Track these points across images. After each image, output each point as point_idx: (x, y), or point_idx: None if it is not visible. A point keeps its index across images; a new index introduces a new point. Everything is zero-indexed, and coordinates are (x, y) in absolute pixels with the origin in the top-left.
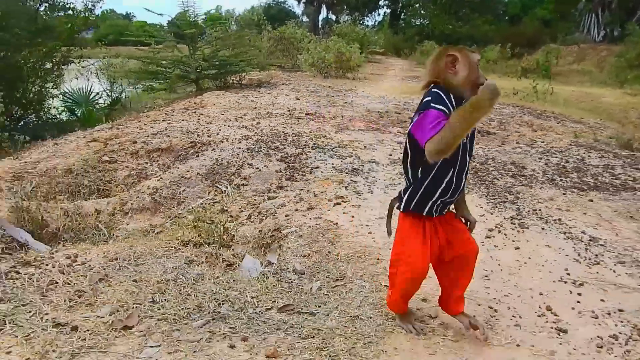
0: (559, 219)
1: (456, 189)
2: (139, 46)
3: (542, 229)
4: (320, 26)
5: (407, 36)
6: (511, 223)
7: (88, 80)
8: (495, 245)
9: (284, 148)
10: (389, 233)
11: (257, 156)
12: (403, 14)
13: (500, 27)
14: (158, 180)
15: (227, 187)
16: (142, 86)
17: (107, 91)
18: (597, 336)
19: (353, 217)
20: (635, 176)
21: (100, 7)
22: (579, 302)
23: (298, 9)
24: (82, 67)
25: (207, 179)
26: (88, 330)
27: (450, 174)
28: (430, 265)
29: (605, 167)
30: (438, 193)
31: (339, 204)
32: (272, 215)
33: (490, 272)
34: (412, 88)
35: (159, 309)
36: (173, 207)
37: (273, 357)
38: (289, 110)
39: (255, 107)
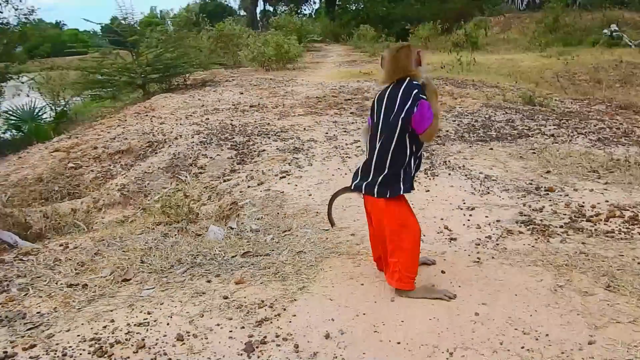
0: (463, 166)
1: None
2: (77, 56)
3: (449, 174)
4: (258, 19)
5: (343, 22)
6: (424, 174)
7: (28, 95)
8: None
9: (233, 138)
10: (332, 224)
11: (210, 147)
12: (338, 0)
13: (431, 5)
14: (124, 178)
15: (186, 177)
16: (86, 96)
17: (50, 105)
18: (477, 238)
19: (296, 185)
20: (530, 125)
21: (34, 20)
22: (469, 220)
23: (235, 4)
24: (22, 82)
25: (167, 171)
26: (96, 285)
27: (419, 155)
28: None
29: (507, 121)
30: (415, 168)
31: (284, 177)
32: (229, 193)
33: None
34: (348, 72)
35: (148, 266)
36: (141, 198)
37: (241, 282)
38: (234, 105)
39: (203, 105)
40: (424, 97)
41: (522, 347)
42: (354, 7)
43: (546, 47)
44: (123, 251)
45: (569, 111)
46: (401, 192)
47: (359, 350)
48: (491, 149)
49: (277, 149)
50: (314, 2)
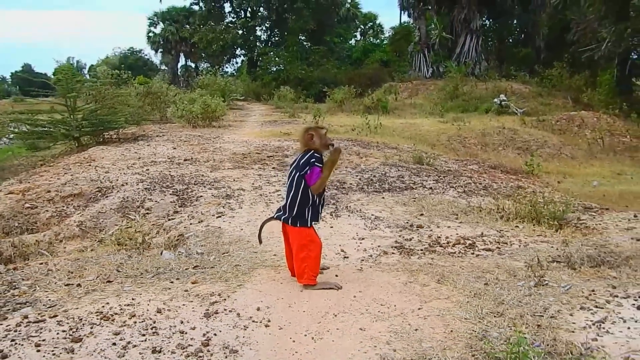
0: (360, 209)
1: (323, 206)
2: None
3: (348, 215)
4: (179, 74)
5: (264, 82)
6: (330, 215)
7: None
8: (319, 227)
9: (173, 186)
10: (260, 242)
11: (154, 193)
12: (259, 61)
13: (346, 70)
14: (80, 216)
15: (136, 216)
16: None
17: None
18: (362, 257)
19: (230, 222)
20: (415, 180)
21: None
22: (359, 246)
23: (156, 58)
24: None
25: (118, 212)
26: (87, 284)
27: (321, 197)
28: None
29: (398, 176)
30: (318, 207)
31: (220, 216)
32: (175, 229)
33: (343, 259)
34: (270, 132)
35: (124, 273)
36: (97, 233)
37: (195, 282)
38: (169, 158)
39: (140, 158)
40: (319, 164)
41: (379, 311)
42: (274, 69)
43: (446, 112)
44: (100, 265)
45: (448, 169)
46: (307, 225)
47: (279, 316)
48: (383, 197)
49: (212, 195)
50: (236, 62)
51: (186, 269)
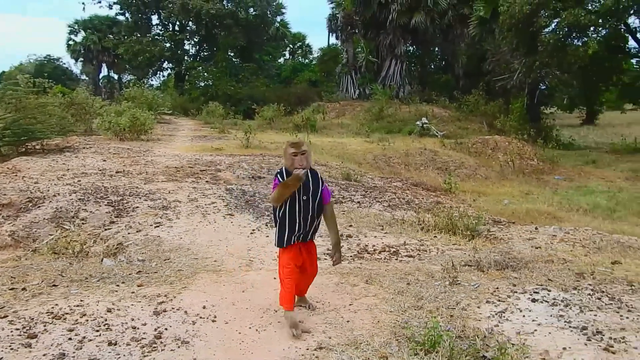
0: None
1: (303, 227)
2: None
3: None
4: (101, 85)
5: (192, 97)
6: (265, 225)
7: None
8: (255, 236)
9: (108, 197)
10: None
11: (89, 203)
12: (187, 75)
13: (275, 88)
14: (12, 226)
15: (70, 226)
16: None
17: None
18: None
19: (169, 232)
20: (344, 195)
21: None
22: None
23: (75, 68)
24: None
25: (52, 222)
26: (33, 288)
27: (297, 217)
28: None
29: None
30: (289, 229)
31: (158, 226)
32: (113, 238)
33: (252, 247)
34: (201, 147)
35: (68, 278)
36: (30, 242)
37: (141, 285)
38: (100, 170)
39: (69, 169)
40: (279, 178)
41: (314, 306)
42: (203, 84)
43: (372, 133)
44: (42, 271)
45: (374, 186)
46: (275, 244)
47: (224, 313)
48: None
49: (149, 206)
50: (162, 75)
51: (129, 274)
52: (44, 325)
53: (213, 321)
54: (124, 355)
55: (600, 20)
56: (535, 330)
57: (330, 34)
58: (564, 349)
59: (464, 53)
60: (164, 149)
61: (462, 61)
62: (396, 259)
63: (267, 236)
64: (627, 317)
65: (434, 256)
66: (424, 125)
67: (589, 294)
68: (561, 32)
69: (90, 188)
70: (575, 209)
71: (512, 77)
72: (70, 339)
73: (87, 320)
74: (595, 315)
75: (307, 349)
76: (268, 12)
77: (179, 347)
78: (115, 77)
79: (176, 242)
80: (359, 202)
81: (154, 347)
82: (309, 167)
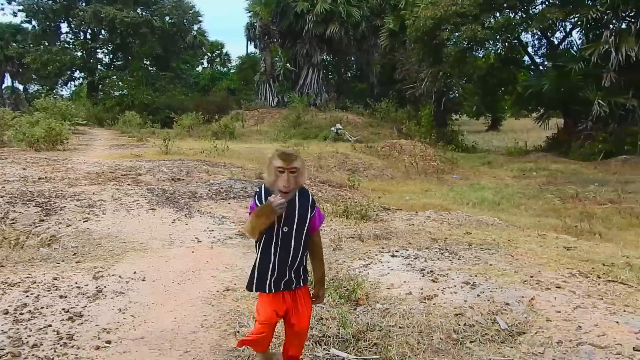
0: (210, 212)
1: (280, 271)
2: None
3: (200, 216)
4: (4, 96)
5: (107, 107)
6: (184, 216)
7: None
8: (176, 225)
9: (35, 199)
10: None
11: (17, 205)
12: (101, 85)
13: (193, 96)
14: None
15: (1, 225)
16: None
17: None
18: (212, 240)
19: (97, 225)
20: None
21: None
22: (210, 234)
23: None
24: None
25: None
26: None
27: (273, 256)
28: None
29: (242, 188)
30: (261, 271)
31: (87, 221)
32: (45, 232)
33: (173, 232)
34: (120, 154)
35: (13, 260)
36: None
37: (79, 262)
38: (22, 177)
39: None
40: (257, 201)
41: (225, 267)
42: (117, 93)
43: (289, 139)
44: None
45: None
46: (247, 286)
47: (151, 275)
48: (229, 203)
49: (76, 205)
50: (73, 85)
51: (67, 256)
52: (2, 291)
53: (142, 280)
54: (74, 302)
55: (497, 36)
56: (389, 273)
57: (249, 42)
58: (404, 282)
59: (377, 63)
60: (83, 157)
61: (376, 70)
62: None
63: (187, 224)
64: (456, 263)
65: (326, 233)
66: (338, 131)
67: (436, 251)
68: (461, 45)
69: (16, 193)
70: (465, 203)
71: (420, 86)
72: (27, 296)
73: (38, 285)
74: (434, 263)
75: (217, 291)
76: (185, 21)
77: (117, 296)
78: (20, 87)
79: (105, 232)
80: None
81: (97, 296)
82: (295, 190)
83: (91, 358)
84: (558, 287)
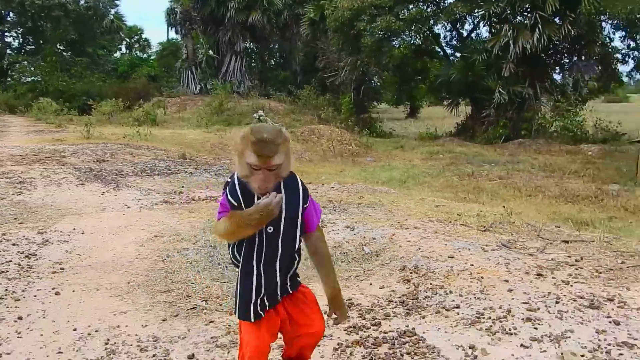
0: (137, 186)
1: (266, 283)
2: None
3: (128, 189)
4: None
5: (18, 93)
6: (112, 189)
7: None
8: (105, 196)
9: None
10: None
11: None
12: (10, 70)
13: (112, 83)
14: None
15: None
16: None
17: None
18: (140, 207)
19: (30, 197)
20: (179, 168)
21: None
22: (138, 202)
23: None
24: None
25: None
26: None
27: (255, 266)
28: None
29: (166, 166)
30: (243, 288)
31: (20, 194)
32: None
33: (104, 202)
34: (41, 139)
35: None
36: None
37: (22, 223)
38: None
39: None
40: (230, 198)
41: (154, 223)
42: (30, 79)
43: (212, 125)
44: None
45: (206, 162)
46: (234, 311)
47: (89, 229)
48: (154, 179)
49: (6, 182)
50: None
51: (8, 220)
52: None
53: (82, 234)
54: (27, 248)
55: (411, 27)
56: None
57: (169, 28)
58: None
59: (300, 51)
60: (1, 142)
61: (298, 58)
62: (214, 202)
63: (115, 195)
64: (343, 216)
65: None
66: (261, 117)
67: (330, 209)
68: (377, 36)
69: None
70: (375, 181)
71: (340, 74)
72: None
73: None
74: (325, 216)
75: (147, 238)
76: (100, 4)
77: (62, 243)
78: None
79: (40, 202)
80: (191, 172)
81: (45, 244)
82: (280, 180)
83: (50, 278)
84: (415, 228)
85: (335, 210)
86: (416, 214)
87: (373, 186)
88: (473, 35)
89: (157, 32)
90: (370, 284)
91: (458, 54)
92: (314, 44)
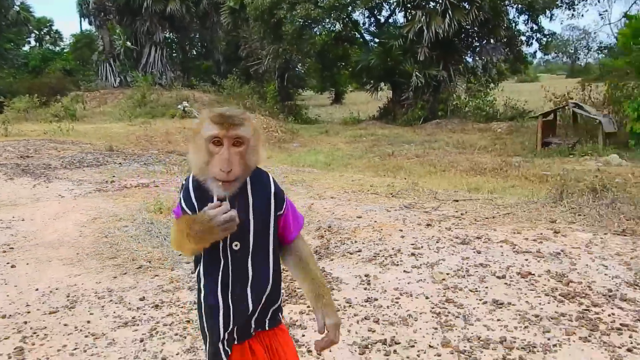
0: (67, 177)
1: (239, 315)
2: None
3: (59, 181)
4: None
5: None
6: (43, 181)
7: None
8: (38, 188)
9: None
10: None
11: None
12: None
13: (23, 78)
14: None
15: None
16: None
17: None
18: (74, 195)
19: None
20: (108, 160)
21: None
22: (71, 191)
23: None
24: None
25: None
26: None
27: (220, 293)
28: None
29: (94, 158)
30: (209, 322)
31: None
32: None
33: (37, 193)
34: None
35: None
36: None
37: None
38: None
39: None
40: (183, 203)
41: (92, 207)
42: None
43: (135, 118)
44: None
45: (134, 153)
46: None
47: (28, 217)
48: (83, 170)
49: None
50: None
51: None
52: None
53: (22, 220)
54: None
55: (331, 14)
56: None
57: (82, 19)
58: None
59: (222, 40)
60: None
61: (220, 48)
62: (146, 187)
63: (47, 187)
64: (298, 195)
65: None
66: (185, 108)
67: None
68: (298, 23)
69: None
70: (301, 165)
71: (264, 63)
72: None
73: None
74: None
75: (87, 220)
76: None
77: (4, 229)
78: None
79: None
80: (120, 163)
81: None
82: (245, 175)
83: (2, 256)
84: (332, 198)
85: None
86: (334, 187)
87: (298, 168)
88: (390, 21)
89: (68, 24)
90: None
91: (377, 40)
92: (236, 32)
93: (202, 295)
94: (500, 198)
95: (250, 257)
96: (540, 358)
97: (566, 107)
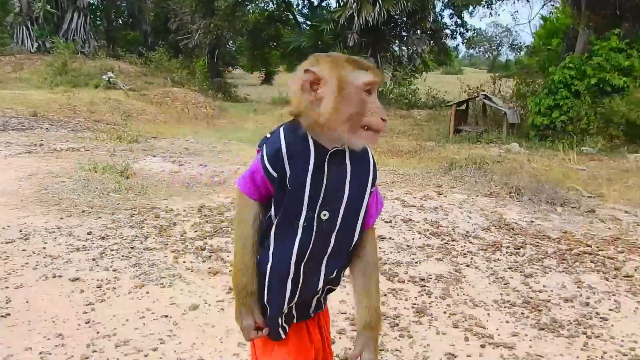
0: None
1: (307, 290)
2: None
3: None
4: None
5: None
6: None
7: None
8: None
9: None
10: None
11: None
12: None
13: None
14: None
15: None
16: None
17: None
18: (5, 155)
19: None
20: (34, 125)
21: None
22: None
23: None
24: None
25: None
26: None
27: (291, 265)
28: None
29: (20, 123)
30: (270, 294)
31: None
32: None
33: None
34: None
35: None
36: None
37: None
38: None
39: None
40: (264, 157)
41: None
42: None
43: (56, 86)
44: None
45: (59, 119)
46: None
47: (7, 199)
48: (9, 134)
49: None
50: None
51: None
52: None
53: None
54: None
55: None
56: (150, 164)
57: None
58: (160, 166)
59: (151, 11)
60: None
61: (149, 18)
62: (77, 151)
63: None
64: (197, 158)
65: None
66: (110, 79)
67: (186, 155)
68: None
69: None
70: (228, 140)
71: (194, 37)
72: None
73: None
74: (182, 159)
75: (23, 176)
76: None
77: None
78: None
79: None
80: (47, 128)
81: None
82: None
83: None
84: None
85: (190, 155)
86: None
87: (226, 142)
88: (323, 4)
89: None
90: (217, 196)
91: (309, 23)
92: (166, 4)
93: (270, 264)
94: (402, 169)
95: (336, 230)
96: (404, 270)
97: (476, 99)
